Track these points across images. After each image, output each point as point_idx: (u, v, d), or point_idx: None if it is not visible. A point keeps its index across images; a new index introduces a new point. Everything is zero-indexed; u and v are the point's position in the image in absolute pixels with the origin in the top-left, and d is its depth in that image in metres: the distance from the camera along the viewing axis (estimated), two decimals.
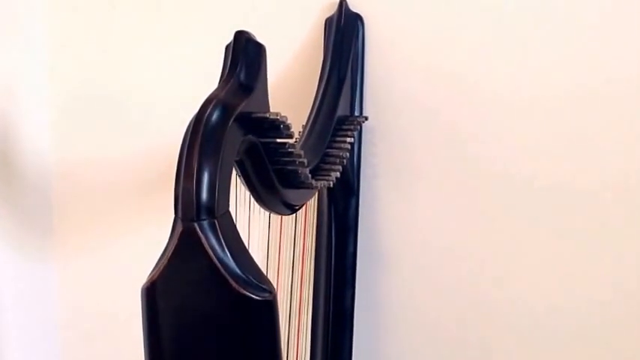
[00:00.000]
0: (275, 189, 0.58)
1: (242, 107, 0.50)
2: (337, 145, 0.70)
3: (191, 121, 0.49)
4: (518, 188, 0.76)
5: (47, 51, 0.90)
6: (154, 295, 0.49)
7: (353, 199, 0.78)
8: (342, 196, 0.77)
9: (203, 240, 0.47)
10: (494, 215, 0.77)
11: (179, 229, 0.48)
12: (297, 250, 0.75)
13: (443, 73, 0.75)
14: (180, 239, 0.47)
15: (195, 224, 0.47)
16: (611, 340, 0.76)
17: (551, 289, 0.77)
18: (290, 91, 0.78)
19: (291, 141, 0.56)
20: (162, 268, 0.48)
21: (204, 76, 0.80)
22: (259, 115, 0.52)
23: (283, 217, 0.70)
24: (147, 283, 0.49)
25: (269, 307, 0.49)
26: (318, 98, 0.70)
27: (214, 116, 0.48)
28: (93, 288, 0.95)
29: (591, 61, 0.72)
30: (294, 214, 0.68)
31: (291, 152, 0.56)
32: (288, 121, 0.54)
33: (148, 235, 0.90)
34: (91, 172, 0.92)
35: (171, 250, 0.48)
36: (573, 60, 0.72)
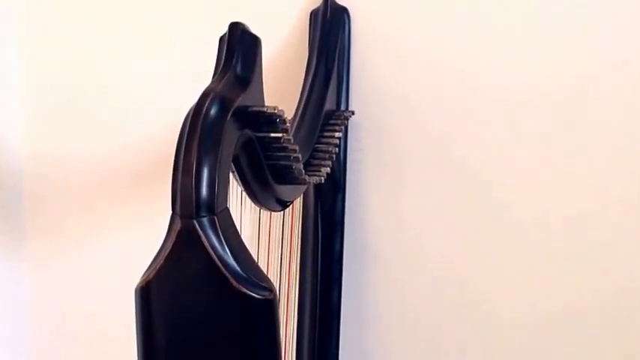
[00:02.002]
0: (269, 185, 0.58)
1: (239, 101, 0.49)
2: (326, 140, 0.69)
3: (188, 114, 0.47)
4: (506, 185, 0.76)
5: (20, 47, 0.87)
6: (148, 294, 0.47)
7: (339, 195, 0.77)
8: (328, 191, 0.77)
9: (202, 237, 0.46)
10: (480, 212, 0.77)
11: (177, 226, 0.46)
12: (284, 247, 0.74)
13: (430, 68, 0.75)
14: (178, 236, 0.46)
15: (195, 221, 0.46)
16: (589, 346, 0.77)
17: (538, 288, 0.77)
18: (274, 84, 0.77)
19: (286, 135, 0.55)
20: (158, 266, 0.47)
21: (183, 72, 0.79)
22: (256, 108, 0.51)
23: (270, 213, 0.68)
24: (142, 282, 0.47)
25: (270, 306, 0.48)
26: (306, 92, 0.69)
27: (213, 110, 0.47)
28: (65, 290, 0.93)
29: (587, 62, 0.72)
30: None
31: (286, 147, 0.55)
32: (285, 116, 0.53)
33: (121, 236, 0.88)
34: (65, 171, 0.89)
35: (169, 248, 0.46)
36: (568, 59, 0.72)
